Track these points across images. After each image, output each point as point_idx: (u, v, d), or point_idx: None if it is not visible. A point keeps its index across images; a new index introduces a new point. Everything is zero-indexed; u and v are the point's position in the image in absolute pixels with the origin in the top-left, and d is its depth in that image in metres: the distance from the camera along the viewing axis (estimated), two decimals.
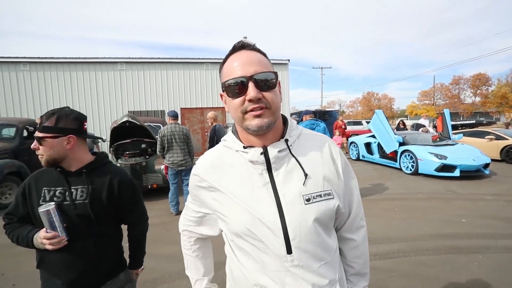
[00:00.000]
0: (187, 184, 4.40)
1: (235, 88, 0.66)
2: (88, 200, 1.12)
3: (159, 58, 11.24)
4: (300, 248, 0.67)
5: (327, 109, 20.70)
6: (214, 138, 4.89)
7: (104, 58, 10.74)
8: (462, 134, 9.23)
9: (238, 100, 0.66)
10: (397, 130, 10.25)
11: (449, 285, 2.44)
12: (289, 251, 0.66)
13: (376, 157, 8.76)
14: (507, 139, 8.77)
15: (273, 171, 0.70)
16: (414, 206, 4.64)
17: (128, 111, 10.56)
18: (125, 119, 5.07)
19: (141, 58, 11.11)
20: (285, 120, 0.78)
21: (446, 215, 4.15)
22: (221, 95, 0.74)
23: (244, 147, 0.72)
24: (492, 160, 7.44)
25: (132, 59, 10.98)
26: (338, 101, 59.38)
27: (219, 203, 0.74)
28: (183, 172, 4.44)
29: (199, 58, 11.57)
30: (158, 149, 4.42)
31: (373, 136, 8.86)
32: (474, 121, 15.02)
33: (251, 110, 0.66)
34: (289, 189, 0.69)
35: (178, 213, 4.45)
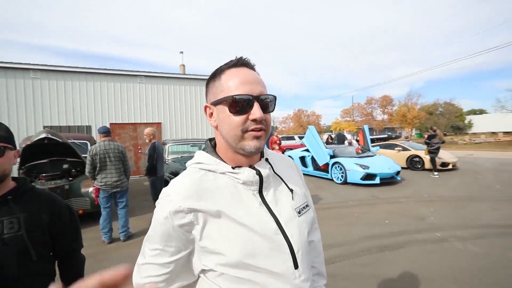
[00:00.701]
0: (123, 207, 4.00)
1: (241, 105, 0.64)
2: (23, 230, 0.93)
3: (84, 68, 10.07)
4: (303, 261, 0.68)
5: None
6: (154, 156, 4.58)
7: (13, 63, 9.10)
8: (379, 147, 10.80)
9: (240, 118, 0.64)
10: (327, 144, 11.35)
11: (384, 280, 2.76)
12: (296, 266, 0.66)
13: (310, 169, 9.47)
14: (410, 150, 10.63)
15: (263, 191, 0.70)
16: (347, 213, 5.15)
17: (44, 126, 9.08)
18: (42, 135, 4.34)
19: (61, 66, 9.76)
20: None
21: (373, 218, 4.72)
22: (207, 107, 0.70)
23: (233, 168, 0.68)
24: (401, 168, 8.87)
25: (49, 66, 9.54)
26: (272, 117, 62.68)
27: (211, 234, 0.64)
28: (117, 194, 3.98)
29: (132, 71, 10.82)
30: (87, 170, 3.89)
31: (307, 150, 9.59)
32: (386, 135, 17.75)
33: (252, 130, 0.64)
34: (282, 206, 0.70)
35: (111, 241, 3.94)
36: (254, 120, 0.64)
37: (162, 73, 11.60)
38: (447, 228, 4.14)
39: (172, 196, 0.65)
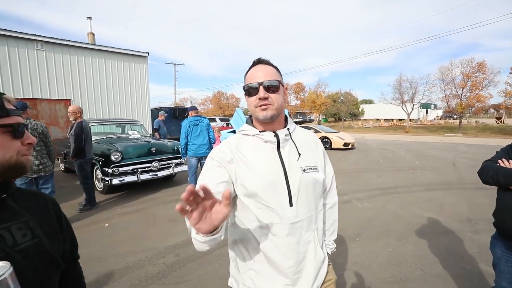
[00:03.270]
0: (49, 194, 3.58)
1: (250, 91, 0.96)
2: (40, 236, 0.67)
3: None
4: (298, 202, 0.94)
5: (186, 107, 20.91)
6: (82, 137, 4.18)
7: None
8: None
9: (253, 98, 0.95)
10: None
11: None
12: (290, 204, 0.93)
13: None
14: (321, 132, 12.47)
15: (281, 149, 0.98)
16: None
17: None
18: None
19: None
20: (286, 118, 1.08)
21: None
22: (245, 96, 1.02)
23: (260, 131, 0.99)
24: None
25: None
26: (190, 98, 60.20)
27: (241, 170, 0.94)
28: (41, 180, 3.54)
29: (27, 34, 8.83)
30: None
31: (234, 132, 10.07)
32: (301, 119, 19.85)
33: (260, 106, 0.94)
34: (291, 162, 0.97)
35: None
36: (260, 99, 0.94)
37: (68, 40, 9.89)
38: (350, 192, 5.32)
39: (219, 146, 1.02)
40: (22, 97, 8.63)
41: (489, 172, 1.53)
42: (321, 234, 1.05)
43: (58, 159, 7.66)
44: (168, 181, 6.38)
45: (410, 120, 29.81)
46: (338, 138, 11.91)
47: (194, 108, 5.07)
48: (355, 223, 3.79)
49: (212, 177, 0.93)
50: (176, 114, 15.85)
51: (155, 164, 5.50)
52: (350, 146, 11.92)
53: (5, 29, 8.47)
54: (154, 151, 5.57)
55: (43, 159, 3.53)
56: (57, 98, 9.53)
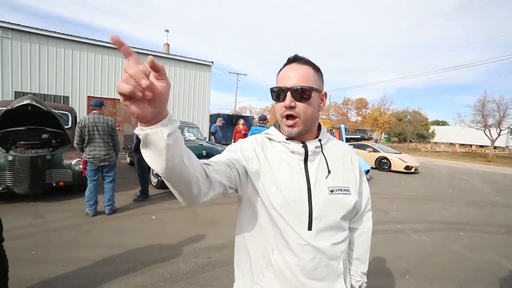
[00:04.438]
0: (110, 181, 4.05)
1: (277, 95, 0.82)
2: None
3: (64, 34, 9.48)
4: (319, 227, 0.80)
5: (243, 115, 21.68)
6: None
7: None
8: (352, 146, 11.51)
9: (279, 104, 0.82)
10: None
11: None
12: (310, 227, 0.80)
13: None
14: (379, 151, 11.48)
15: (308, 162, 0.85)
16: None
17: (16, 92, 8.52)
18: (26, 101, 4.20)
19: (36, 28, 9.11)
20: (319, 126, 0.93)
21: None
22: None
23: (287, 139, 0.87)
24: (371, 167, 9.59)
25: (23, 27, 8.87)
26: (249, 107, 62.21)
27: (260, 175, 0.83)
28: (105, 168, 4.02)
29: (111, 43, 10.36)
30: (75, 141, 3.87)
31: None
32: (359, 136, 18.74)
33: (285, 118, 0.81)
34: (318, 179, 0.84)
35: (96, 213, 4.00)
36: (285, 107, 0.79)
37: (147, 50, 11.28)
38: (405, 221, 4.71)
39: (243, 142, 0.91)
40: (106, 96, 10.09)
41: None
42: (345, 264, 0.90)
43: (126, 152, 8.66)
44: None
45: (495, 147, 25.41)
46: (399, 160, 10.79)
47: (261, 118, 5.51)
48: (406, 257, 3.31)
49: (224, 157, 0.83)
50: (233, 121, 16.56)
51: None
52: (412, 170, 10.67)
53: (98, 40, 10.09)
54: (205, 154, 5.85)
55: (109, 150, 4.00)
56: None
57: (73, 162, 4.55)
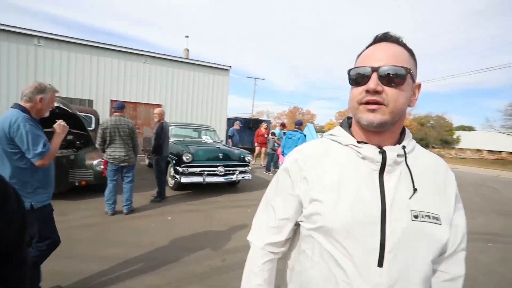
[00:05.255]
0: (129, 182, 4.17)
1: (357, 77, 0.64)
2: None
3: (90, 41, 9.99)
4: (394, 264, 0.60)
5: (260, 118, 21.74)
6: (161, 136, 4.74)
7: (17, 27, 8.94)
8: None
9: (358, 89, 0.63)
10: None
11: None
12: (380, 263, 0.59)
13: None
14: None
15: (385, 174, 0.64)
16: None
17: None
18: (54, 104, 4.42)
19: (66, 37, 9.67)
20: (404, 130, 0.72)
21: None
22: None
23: (358, 142, 0.67)
24: None
25: (54, 35, 9.44)
26: (267, 112, 62.33)
27: (315, 195, 0.67)
28: (125, 169, 4.15)
29: (137, 49, 10.79)
30: (98, 142, 4.03)
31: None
32: None
33: (366, 103, 0.62)
34: (397, 198, 0.62)
35: (114, 213, 4.11)
36: (368, 92, 0.61)
37: (167, 55, 11.60)
38: None
39: (295, 151, 0.77)
40: (128, 100, 10.48)
41: None
42: None
43: (145, 154, 8.90)
44: (231, 187, 6.62)
45: None
46: None
47: (297, 123, 6.01)
48: None
49: (286, 201, 0.74)
50: (250, 125, 16.66)
51: (221, 169, 5.79)
52: None
53: (121, 46, 10.52)
54: (221, 157, 5.89)
55: (129, 151, 4.12)
56: (152, 102, 11.19)
57: (95, 162, 4.73)
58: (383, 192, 0.63)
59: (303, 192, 0.69)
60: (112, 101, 10.22)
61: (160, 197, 4.96)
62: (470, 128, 46.96)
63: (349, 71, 0.67)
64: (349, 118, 0.76)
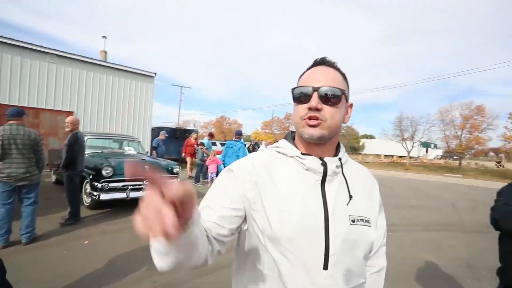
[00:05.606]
0: (30, 204, 3.48)
1: (300, 96, 0.70)
2: None
3: None
4: (337, 266, 0.65)
5: (187, 128, 21.10)
6: (75, 147, 4.13)
7: None
8: None
9: (302, 106, 0.70)
10: (249, 152, 12.04)
11: None
12: (325, 266, 0.64)
13: None
14: None
15: (326, 184, 0.70)
16: None
17: None
18: None
19: None
20: (338, 144, 0.80)
21: None
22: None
23: (302, 154, 0.72)
24: None
25: None
26: (193, 121, 60.82)
27: (263, 200, 0.69)
28: (24, 189, 3.43)
29: (41, 46, 9.17)
30: None
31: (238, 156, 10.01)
32: None
33: (308, 119, 0.68)
34: (338, 206, 0.69)
35: (8, 244, 3.34)
36: (310, 109, 0.68)
37: (81, 56, 10.23)
38: None
39: (243, 159, 0.77)
40: (25, 105, 8.74)
41: None
42: None
43: (51, 170, 7.55)
44: None
45: (410, 157, 29.77)
46: None
47: (237, 133, 6.13)
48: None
49: (226, 195, 0.70)
50: (177, 135, 15.96)
51: (147, 182, 5.37)
52: None
53: (22, 41, 8.82)
54: (147, 169, 5.47)
55: (31, 167, 3.44)
56: (60, 109, 9.62)
57: None
58: (325, 200, 0.69)
59: (252, 196, 0.70)
60: (2, 105, 8.36)
61: (74, 219, 4.27)
62: (371, 137, 56.07)
63: (293, 89, 0.73)
64: (292, 132, 0.81)
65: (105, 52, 13.55)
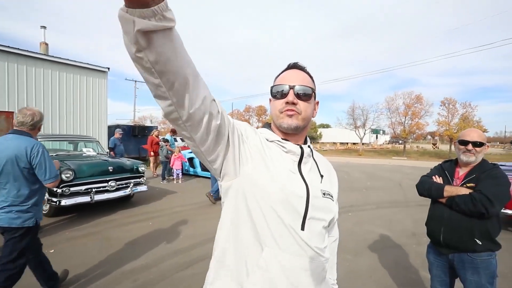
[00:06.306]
0: None
1: (279, 92, 0.83)
2: None
3: None
4: (310, 228, 0.80)
5: (146, 125, 20.14)
6: None
7: None
8: None
9: (279, 101, 0.83)
10: None
11: None
12: (303, 227, 0.78)
13: (198, 170, 9.83)
14: None
15: (302, 164, 0.85)
16: None
17: None
18: None
19: None
20: (306, 137, 0.96)
21: None
22: (270, 99, 0.90)
23: (282, 139, 0.86)
24: None
25: None
26: (150, 117, 57.84)
27: (261, 166, 0.79)
28: None
29: None
30: None
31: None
32: None
33: (286, 110, 0.82)
34: (312, 182, 0.85)
35: None
36: (287, 103, 0.81)
37: (16, 48, 9.14)
38: None
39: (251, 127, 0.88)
40: None
41: (424, 186, 1.82)
42: (329, 272, 0.94)
43: None
44: (126, 202, 6.00)
45: (363, 144, 32.34)
46: None
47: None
48: None
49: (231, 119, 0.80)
50: (135, 133, 15.19)
51: (112, 183, 5.18)
52: None
53: None
54: (111, 170, 5.26)
55: None
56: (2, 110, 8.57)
57: None
58: (303, 176, 0.84)
59: (253, 146, 0.81)
60: None
61: None
62: (327, 126, 59.24)
63: (271, 87, 0.87)
64: (269, 124, 0.95)
65: (46, 44, 12.18)
